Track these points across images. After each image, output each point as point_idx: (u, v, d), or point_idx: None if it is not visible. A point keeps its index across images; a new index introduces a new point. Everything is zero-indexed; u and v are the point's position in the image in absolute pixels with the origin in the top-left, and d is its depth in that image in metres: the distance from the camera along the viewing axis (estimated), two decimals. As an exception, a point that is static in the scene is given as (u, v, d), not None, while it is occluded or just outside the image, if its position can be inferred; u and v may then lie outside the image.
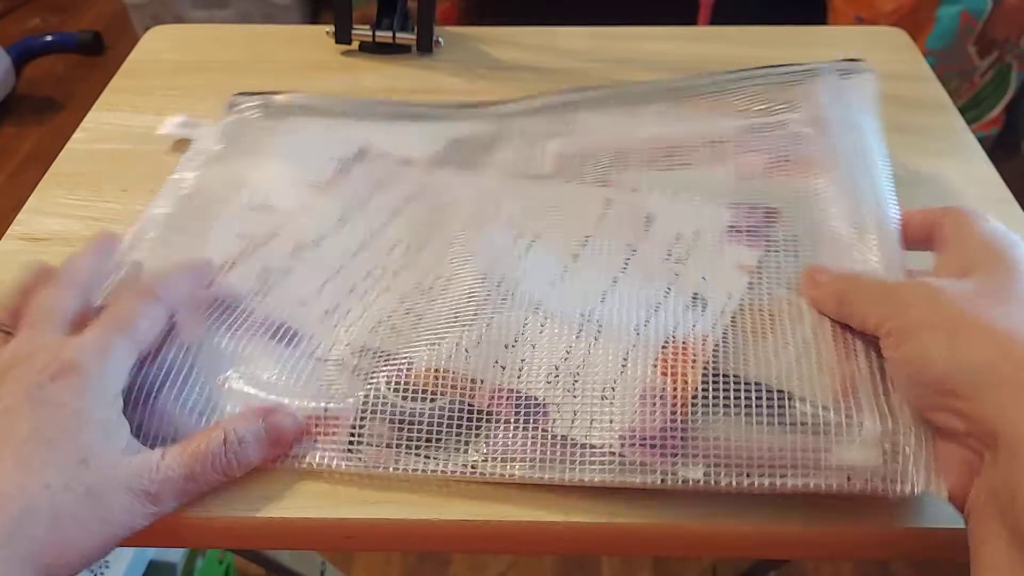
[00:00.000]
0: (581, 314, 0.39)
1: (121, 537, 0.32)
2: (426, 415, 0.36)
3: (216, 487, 0.35)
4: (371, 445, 0.35)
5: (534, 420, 0.35)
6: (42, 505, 0.30)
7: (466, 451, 0.35)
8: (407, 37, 0.63)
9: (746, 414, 0.34)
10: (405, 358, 0.37)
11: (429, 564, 1.09)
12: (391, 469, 0.35)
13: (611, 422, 0.35)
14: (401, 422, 0.36)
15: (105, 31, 2.04)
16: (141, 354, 0.36)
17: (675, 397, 0.35)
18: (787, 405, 0.34)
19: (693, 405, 0.34)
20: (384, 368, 0.37)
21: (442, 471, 0.35)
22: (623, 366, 0.36)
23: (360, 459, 0.35)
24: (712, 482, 0.33)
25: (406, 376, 0.37)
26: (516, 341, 0.38)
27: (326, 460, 0.36)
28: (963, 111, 0.57)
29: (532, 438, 0.35)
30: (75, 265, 0.39)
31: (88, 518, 0.31)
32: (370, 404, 0.36)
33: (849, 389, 0.34)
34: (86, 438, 0.32)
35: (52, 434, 0.31)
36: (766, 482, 0.33)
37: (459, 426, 0.36)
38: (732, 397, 0.34)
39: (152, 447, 0.35)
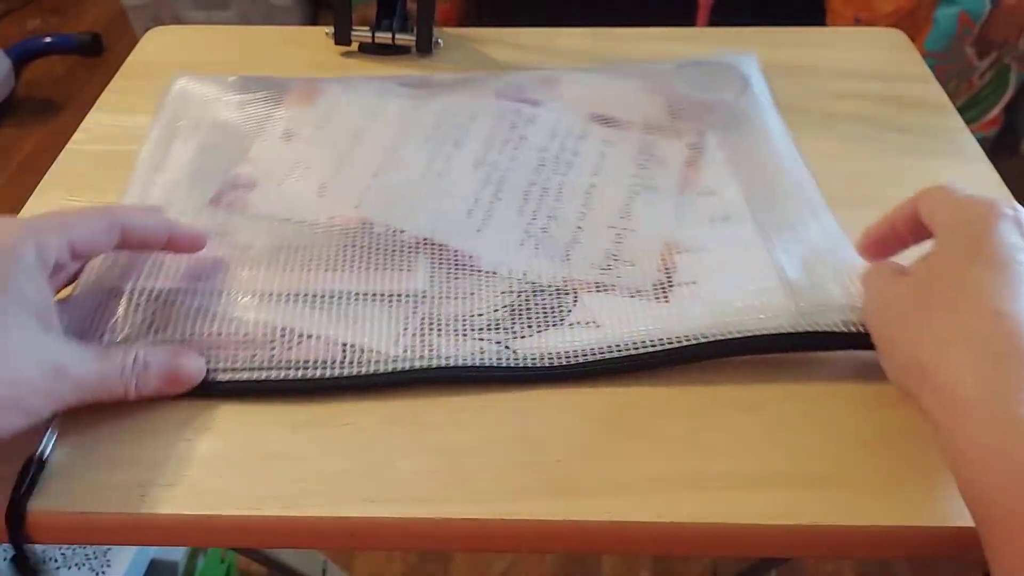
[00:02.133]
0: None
1: (26, 420, 0.34)
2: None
3: (105, 402, 0.37)
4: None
5: None
6: None
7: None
8: (406, 38, 0.64)
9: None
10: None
11: (430, 562, 1.09)
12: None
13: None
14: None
15: (104, 32, 2.04)
16: (75, 252, 0.37)
17: None
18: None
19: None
20: None
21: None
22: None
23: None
24: None
25: None
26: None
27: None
28: (962, 112, 0.57)
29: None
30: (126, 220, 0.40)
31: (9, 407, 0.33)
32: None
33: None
34: (8, 327, 0.33)
35: None
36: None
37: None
38: None
39: None
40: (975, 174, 0.52)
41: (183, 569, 0.92)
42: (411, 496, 0.35)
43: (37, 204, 0.51)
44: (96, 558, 0.83)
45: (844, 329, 0.39)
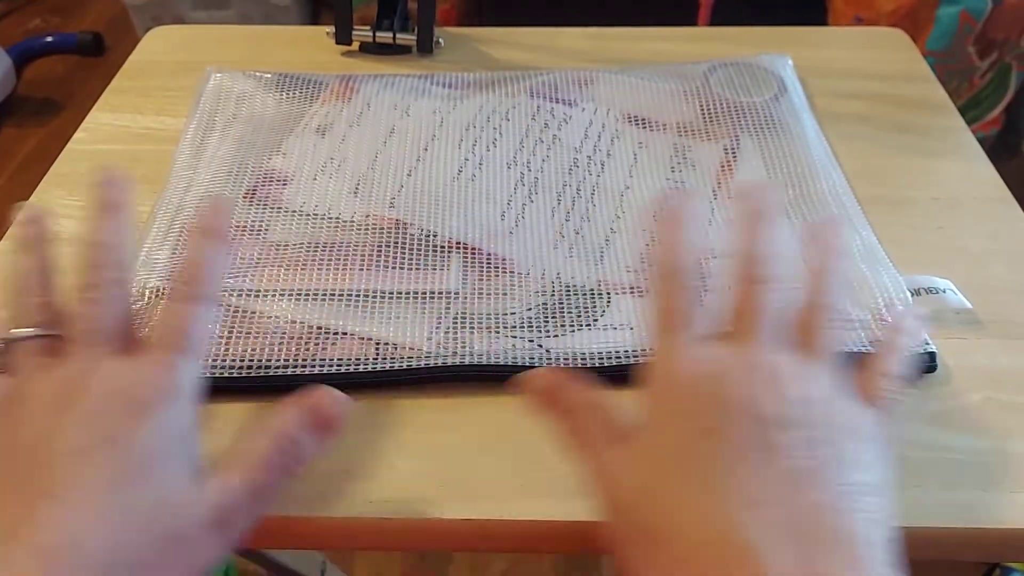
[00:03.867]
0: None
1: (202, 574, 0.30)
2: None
3: (283, 490, 0.33)
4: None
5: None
6: (125, 558, 0.27)
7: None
8: (407, 38, 0.64)
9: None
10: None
11: (430, 562, 1.09)
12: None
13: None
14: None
15: (106, 32, 2.04)
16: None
17: None
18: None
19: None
20: None
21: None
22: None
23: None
24: None
25: None
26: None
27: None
28: (963, 111, 0.57)
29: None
30: (107, 251, 0.34)
31: (171, 565, 0.28)
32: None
33: None
34: (161, 481, 0.29)
35: (126, 479, 0.28)
36: None
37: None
38: None
39: None
40: (976, 174, 0.52)
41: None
42: (410, 496, 0.35)
43: (36, 203, 0.50)
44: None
45: (871, 349, 0.39)
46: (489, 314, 0.42)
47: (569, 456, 0.32)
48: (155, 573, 0.28)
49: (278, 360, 0.40)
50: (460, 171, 0.51)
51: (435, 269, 0.44)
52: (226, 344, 0.40)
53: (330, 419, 0.33)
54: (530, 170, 0.51)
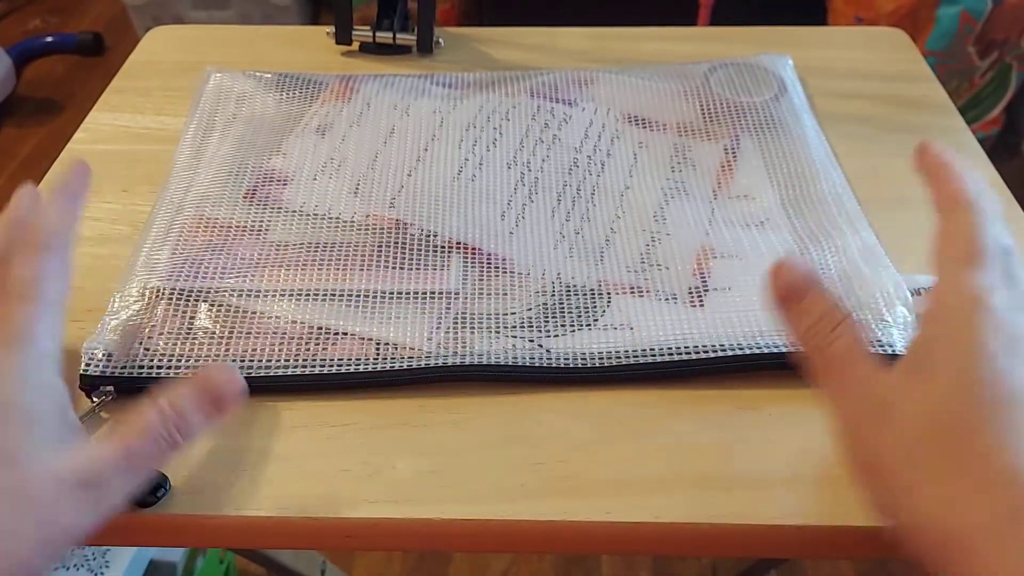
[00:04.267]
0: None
1: (69, 540, 0.29)
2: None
3: (164, 462, 0.32)
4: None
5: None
6: None
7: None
8: (407, 38, 0.64)
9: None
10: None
11: (430, 562, 1.09)
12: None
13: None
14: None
15: (105, 32, 2.04)
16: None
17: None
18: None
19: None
20: None
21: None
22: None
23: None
24: None
25: None
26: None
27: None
28: (963, 111, 0.57)
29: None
30: None
31: (21, 525, 0.28)
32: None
33: None
34: (10, 434, 0.29)
35: None
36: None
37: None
38: None
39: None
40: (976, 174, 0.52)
41: (182, 569, 0.92)
42: (410, 496, 0.35)
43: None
44: (95, 559, 0.83)
45: (875, 349, 0.39)
46: (489, 314, 0.42)
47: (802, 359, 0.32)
48: (5, 534, 0.27)
49: (278, 360, 0.40)
50: (460, 171, 0.51)
51: (435, 269, 0.44)
52: (226, 344, 0.40)
53: (222, 398, 0.33)
54: (530, 170, 0.51)
